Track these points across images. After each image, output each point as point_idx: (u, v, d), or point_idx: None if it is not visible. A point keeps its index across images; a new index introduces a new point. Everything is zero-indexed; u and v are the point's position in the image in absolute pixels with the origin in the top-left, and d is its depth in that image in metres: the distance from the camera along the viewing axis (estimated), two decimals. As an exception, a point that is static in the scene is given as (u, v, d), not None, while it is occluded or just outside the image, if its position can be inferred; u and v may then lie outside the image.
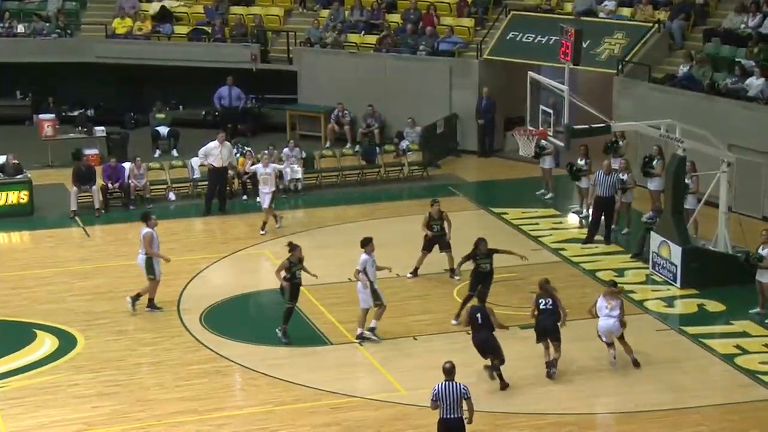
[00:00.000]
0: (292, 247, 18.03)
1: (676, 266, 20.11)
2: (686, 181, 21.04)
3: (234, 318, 19.26)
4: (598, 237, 22.36)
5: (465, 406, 13.79)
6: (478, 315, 16.40)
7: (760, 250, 18.60)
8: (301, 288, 18.14)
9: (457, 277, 20.18)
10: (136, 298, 19.20)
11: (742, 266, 19.13)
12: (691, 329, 18.51)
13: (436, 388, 13.84)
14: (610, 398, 16.21)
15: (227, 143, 24.97)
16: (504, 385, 16.35)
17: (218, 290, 20.02)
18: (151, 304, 19.29)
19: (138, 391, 16.49)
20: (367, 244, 17.85)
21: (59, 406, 16.06)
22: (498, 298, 19.54)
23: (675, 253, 20.11)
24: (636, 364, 17.00)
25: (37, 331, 18.59)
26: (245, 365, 17.30)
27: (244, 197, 25.39)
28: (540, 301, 16.79)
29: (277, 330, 17.96)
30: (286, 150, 26.00)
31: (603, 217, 22.30)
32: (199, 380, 16.78)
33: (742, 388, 16.54)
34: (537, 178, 25.81)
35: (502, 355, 16.31)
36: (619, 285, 18.39)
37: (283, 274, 17.83)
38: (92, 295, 20.14)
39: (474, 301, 17.88)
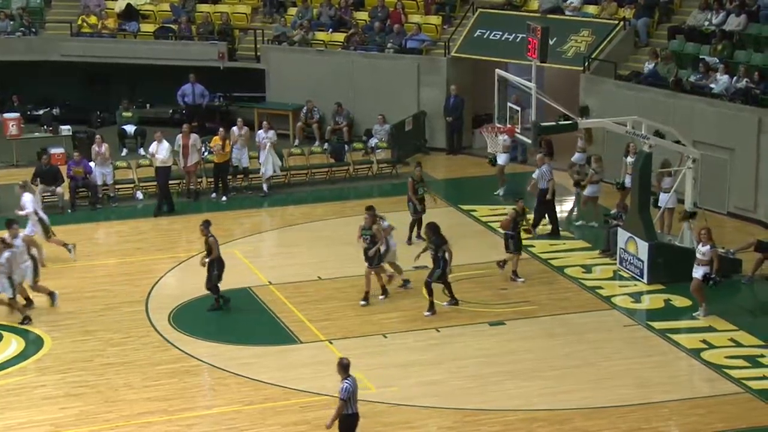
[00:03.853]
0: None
1: (642, 262, 20.25)
2: (666, 178, 21.22)
3: (203, 317, 19.17)
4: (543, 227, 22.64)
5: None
6: None
7: (699, 247, 18.70)
8: (271, 287, 18.05)
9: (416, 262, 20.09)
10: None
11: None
12: (658, 324, 18.64)
13: (349, 385, 13.68)
14: (580, 394, 16.30)
15: (165, 142, 24.45)
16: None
17: (186, 290, 19.93)
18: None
19: (106, 391, 16.41)
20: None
21: (26, 408, 15.94)
22: (467, 295, 19.63)
23: (642, 249, 20.25)
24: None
25: (3, 333, 18.43)
26: (214, 365, 17.25)
27: (213, 195, 25.31)
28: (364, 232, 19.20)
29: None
30: (260, 132, 25.80)
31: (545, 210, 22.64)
32: (167, 380, 16.71)
33: (709, 383, 16.70)
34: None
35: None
36: (587, 282, 18.72)
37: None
38: (59, 295, 19.99)
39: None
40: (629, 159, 22.56)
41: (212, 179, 25.48)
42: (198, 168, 25.33)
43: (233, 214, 24.46)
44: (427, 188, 22.30)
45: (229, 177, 25.53)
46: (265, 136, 25.64)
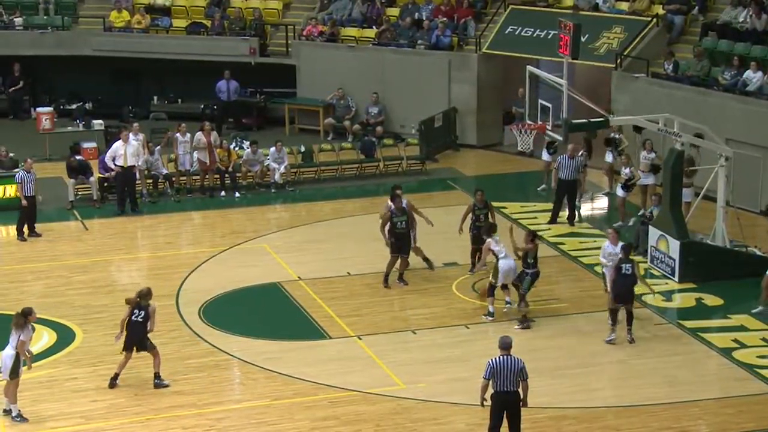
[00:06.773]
0: None
1: (674, 260, 20.13)
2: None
3: (233, 312, 19.24)
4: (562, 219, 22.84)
5: (521, 387, 13.83)
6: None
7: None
8: (300, 282, 18.03)
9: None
10: None
11: (740, 260, 19.15)
12: (690, 323, 18.52)
13: (491, 363, 13.76)
14: (609, 392, 16.24)
15: (132, 142, 24.00)
16: None
17: (217, 284, 20.00)
18: None
19: (136, 385, 16.48)
20: None
21: (57, 400, 16.04)
22: (499, 292, 19.54)
23: (673, 247, 20.13)
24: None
25: (35, 325, 18.53)
26: (244, 359, 17.30)
27: (222, 194, 25.21)
28: (133, 311, 16.07)
29: None
30: (272, 150, 25.62)
31: (567, 200, 22.69)
32: (197, 374, 16.77)
33: (740, 382, 16.58)
34: (535, 172, 25.82)
35: None
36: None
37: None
38: (90, 288, 20.11)
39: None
40: (645, 154, 22.57)
41: (218, 177, 25.22)
42: (215, 165, 25.27)
43: (262, 209, 24.52)
44: (490, 211, 20.41)
45: (239, 174, 25.40)
46: (276, 156, 25.31)
